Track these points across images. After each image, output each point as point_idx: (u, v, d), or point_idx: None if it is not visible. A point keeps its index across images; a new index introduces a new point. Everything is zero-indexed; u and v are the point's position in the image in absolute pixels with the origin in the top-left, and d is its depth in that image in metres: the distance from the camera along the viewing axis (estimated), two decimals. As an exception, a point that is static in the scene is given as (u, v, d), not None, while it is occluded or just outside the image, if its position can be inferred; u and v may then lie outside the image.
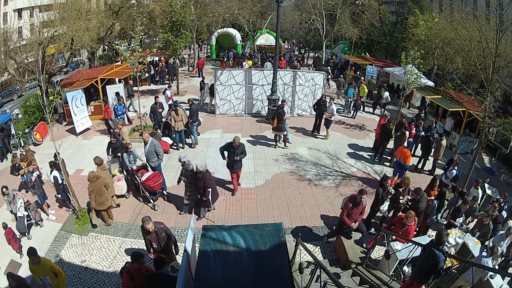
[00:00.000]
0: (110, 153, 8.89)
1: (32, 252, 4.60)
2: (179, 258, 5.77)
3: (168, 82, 19.73)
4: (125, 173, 8.29)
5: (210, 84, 14.45)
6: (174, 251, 5.51)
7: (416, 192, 6.36)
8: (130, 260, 4.56)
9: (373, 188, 8.65)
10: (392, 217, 7.00)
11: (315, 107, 12.01)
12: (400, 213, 6.53)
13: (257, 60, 21.60)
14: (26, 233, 7.11)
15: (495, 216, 6.73)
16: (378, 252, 6.36)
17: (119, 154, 8.60)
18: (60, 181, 7.55)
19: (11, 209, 7.49)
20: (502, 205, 7.41)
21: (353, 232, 6.33)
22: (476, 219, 7.09)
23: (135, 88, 15.98)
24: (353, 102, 14.91)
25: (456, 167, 8.31)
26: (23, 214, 7.07)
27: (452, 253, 5.95)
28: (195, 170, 6.96)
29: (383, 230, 5.99)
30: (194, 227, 6.72)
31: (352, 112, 14.76)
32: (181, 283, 3.51)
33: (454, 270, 4.72)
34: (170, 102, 13.09)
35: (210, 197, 6.88)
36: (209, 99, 14.72)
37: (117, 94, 12.87)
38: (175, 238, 5.54)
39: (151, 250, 5.29)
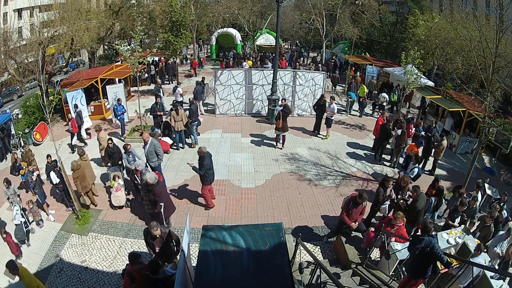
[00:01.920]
0: (108, 159, 8.23)
1: (10, 265, 4.58)
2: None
3: (168, 82, 19.76)
4: (126, 175, 8.17)
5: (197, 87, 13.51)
6: (175, 250, 5.50)
7: (414, 190, 6.35)
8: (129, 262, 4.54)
9: (373, 188, 8.66)
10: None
11: (315, 107, 12.02)
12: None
13: (254, 59, 21.79)
14: (26, 241, 6.89)
15: (496, 216, 6.71)
16: (378, 252, 6.36)
17: (120, 162, 8.17)
18: (54, 182, 7.52)
19: (8, 197, 7.42)
20: (502, 205, 7.41)
21: (353, 232, 6.33)
22: (478, 222, 7.08)
23: (135, 88, 16.03)
24: (355, 101, 14.99)
25: (417, 165, 8.07)
26: (20, 221, 6.79)
27: (452, 253, 5.95)
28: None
29: (383, 231, 5.99)
30: (190, 228, 6.73)
31: (359, 111, 14.89)
32: (179, 283, 3.51)
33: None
34: (181, 99, 13.39)
35: (162, 210, 6.52)
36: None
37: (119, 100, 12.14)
38: (177, 237, 5.53)
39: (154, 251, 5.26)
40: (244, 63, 19.99)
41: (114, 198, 7.66)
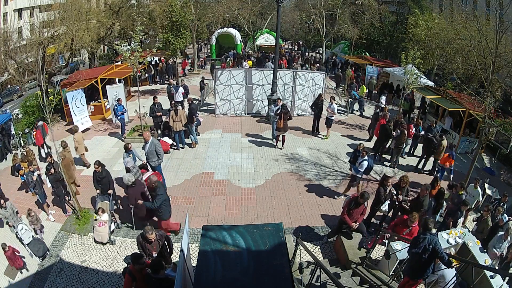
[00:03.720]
0: (96, 185, 7.19)
1: None
2: (174, 258, 5.79)
3: (168, 82, 19.79)
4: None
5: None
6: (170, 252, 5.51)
7: (425, 188, 6.37)
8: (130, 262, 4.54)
9: (373, 188, 8.65)
10: (392, 217, 7.00)
11: (313, 107, 12.02)
12: (403, 214, 6.53)
13: (255, 59, 21.90)
14: (48, 251, 6.47)
15: (497, 219, 6.67)
16: (378, 252, 6.36)
17: (110, 191, 7.17)
18: (48, 186, 7.45)
19: (7, 221, 6.73)
20: (502, 205, 7.40)
21: (353, 232, 6.33)
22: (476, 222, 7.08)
23: (135, 88, 16.02)
24: (356, 100, 15.05)
25: (366, 157, 7.65)
26: (32, 237, 6.38)
27: (452, 253, 5.95)
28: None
29: (383, 230, 5.98)
30: (190, 228, 6.74)
31: (359, 109, 14.96)
32: (179, 283, 3.52)
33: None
34: (181, 98, 13.49)
35: (132, 212, 6.45)
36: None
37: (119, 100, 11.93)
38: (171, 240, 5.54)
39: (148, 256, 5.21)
40: (245, 63, 19.99)
41: (96, 233, 6.67)
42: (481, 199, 7.57)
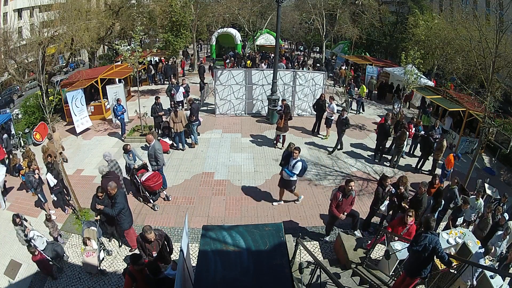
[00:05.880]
0: (97, 212, 6.26)
1: None
2: (173, 258, 5.80)
3: (168, 81, 19.78)
4: (126, 174, 7.91)
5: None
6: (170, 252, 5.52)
7: (423, 185, 6.37)
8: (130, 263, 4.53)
9: (373, 188, 8.66)
10: (392, 216, 7.00)
11: (315, 107, 12.02)
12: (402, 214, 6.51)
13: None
14: (64, 254, 6.26)
15: (498, 219, 6.67)
16: (378, 252, 6.36)
17: (97, 217, 6.27)
18: (52, 184, 7.38)
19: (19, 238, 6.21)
20: (502, 205, 7.39)
21: (353, 232, 6.33)
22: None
23: (135, 88, 16.02)
24: (355, 100, 15.06)
25: (299, 158, 6.96)
26: (46, 241, 6.15)
27: (452, 253, 5.95)
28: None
29: (383, 230, 5.98)
30: (189, 228, 6.75)
31: (357, 109, 14.97)
32: (178, 283, 3.52)
33: (454, 271, 4.72)
34: (182, 98, 13.52)
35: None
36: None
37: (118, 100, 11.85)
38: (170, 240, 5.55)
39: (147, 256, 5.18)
40: (263, 64, 19.94)
41: (84, 264, 6.02)
42: (483, 210, 7.50)
